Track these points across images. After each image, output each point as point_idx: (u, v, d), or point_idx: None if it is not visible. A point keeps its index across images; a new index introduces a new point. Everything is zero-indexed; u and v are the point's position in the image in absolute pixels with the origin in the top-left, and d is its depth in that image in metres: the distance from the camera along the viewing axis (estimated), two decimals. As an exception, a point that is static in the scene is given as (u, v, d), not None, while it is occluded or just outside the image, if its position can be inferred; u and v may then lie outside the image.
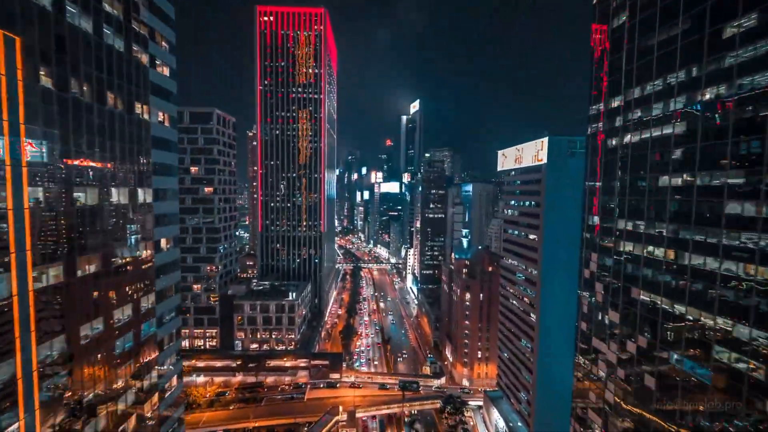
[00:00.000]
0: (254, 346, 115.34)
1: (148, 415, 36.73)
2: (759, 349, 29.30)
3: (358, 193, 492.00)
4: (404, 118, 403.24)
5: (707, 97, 34.46)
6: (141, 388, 35.80)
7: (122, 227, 33.48)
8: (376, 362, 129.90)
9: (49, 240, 26.57)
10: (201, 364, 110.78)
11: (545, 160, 68.18)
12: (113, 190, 32.04)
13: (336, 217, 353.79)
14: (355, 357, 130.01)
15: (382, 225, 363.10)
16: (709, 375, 33.49)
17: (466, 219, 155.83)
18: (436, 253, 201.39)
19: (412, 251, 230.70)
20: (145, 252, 36.65)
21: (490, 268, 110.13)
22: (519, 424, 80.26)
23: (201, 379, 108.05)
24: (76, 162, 27.98)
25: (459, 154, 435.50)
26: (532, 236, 75.53)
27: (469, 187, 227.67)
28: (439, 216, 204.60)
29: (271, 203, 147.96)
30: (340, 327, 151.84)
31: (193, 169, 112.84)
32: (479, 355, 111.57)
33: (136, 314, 35.27)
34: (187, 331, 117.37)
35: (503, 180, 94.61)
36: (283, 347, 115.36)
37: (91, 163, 29.69)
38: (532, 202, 75.20)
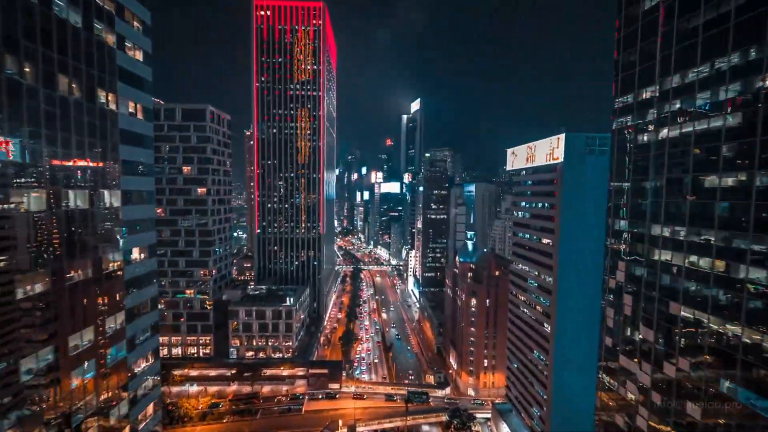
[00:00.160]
0: (250, 353, 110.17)
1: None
2: None
3: (358, 194, 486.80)
4: (405, 117, 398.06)
5: (772, 82, 29.29)
6: (106, 427, 30.62)
7: (79, 237, 28.32)
8: (378, 370, 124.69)
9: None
10: (194, 373, 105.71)
11: (562, 159, 63.03)
12: (68, 192, 26.89)
13: (336, 217, 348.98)
14: (356, 364, 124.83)
15: (382, 226, 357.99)
16: (775, 411, 28.37)
17: (471, 220, 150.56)
18: (438, 255, 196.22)
19: (413, 253, 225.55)
20: (111, 264, 31.48)
21: (497, 272, 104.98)
22: (530, 440, 75.27)
23: (194, 388, 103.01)
24: (11, 158, 22.84)
25: (459, 154, 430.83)
26: (545, 240, 70.35)
27: (472, 187, 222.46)
28: (441, 217, 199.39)
29: (268, 204, 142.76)
30: (339, 332, 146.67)
31: (186, 169, 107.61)
32: (485, 364, 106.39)
33: (100, 338, 30.10)
34: (179, 338, 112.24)
35: (514, 180, 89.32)
36: (280, 355, 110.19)
37: (36, 160, 24.52)
38: (546, 204, 69.99)
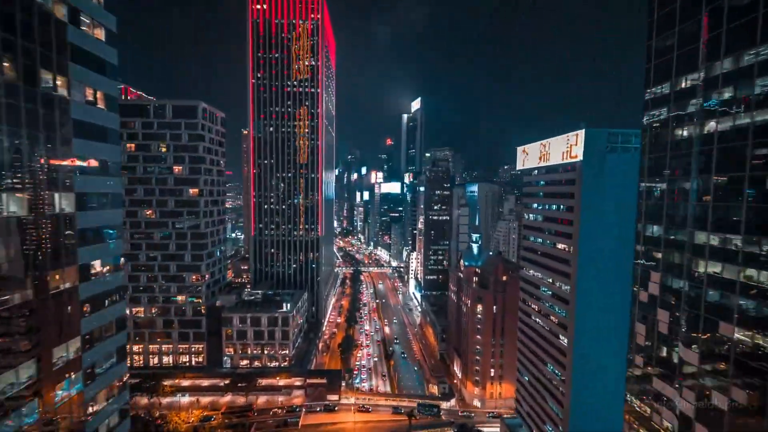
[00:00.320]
0: (244, 362, 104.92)
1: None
2: None
3: (358, 194, 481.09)
4: (405, 116, 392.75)
5: None
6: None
7: (16, 251, 23.06)
8: (379, 379, 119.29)
9: None
10: (186, 383, 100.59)
11: (581, 157, 57.78)
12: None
13: (335, 218, 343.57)
14: (356, 372, 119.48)
15: (382, 226, 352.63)
16: None
17: (476, 222, 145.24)
18: (440, 257, 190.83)
19: (414, 255, 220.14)
20: (61, 282, 26.24)
21: (504, 277, 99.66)
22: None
23: (186, 399, 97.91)
24: None
25: (460, 154, 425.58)
26: (561, 245, 65.02)
27: (474, 188, 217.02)
28: (444, 218, 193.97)
29: (264, 205, 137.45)
30: (339, 338, 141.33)
31: (177, 169, 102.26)
32: (492, 373, 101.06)
33: (44, 373, 24.83)
34: (170, 346, 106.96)
35: (525, 180, 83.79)
36: (276, 364, 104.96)
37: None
38: (562, 206, 64.65)
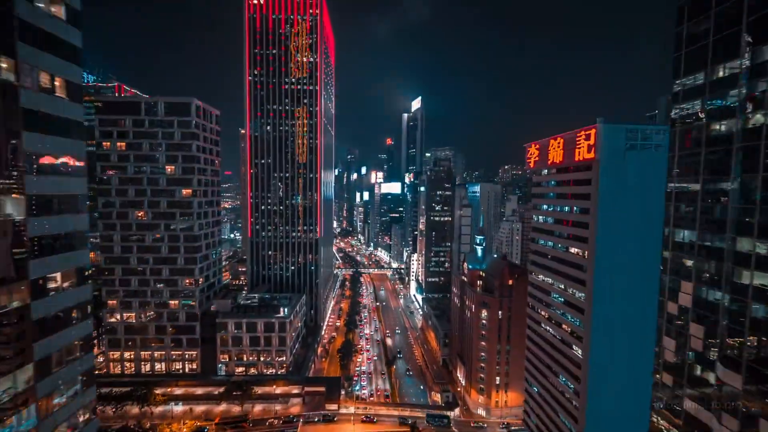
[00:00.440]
0: (240, 370, 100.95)
1: None
2: None
3: (358, 194, 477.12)
4: (405, 116, 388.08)
5: None
6: None
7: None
8: (379, 385, 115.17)
9: None
10: (179, 391, 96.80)
11: (597, 155, 53.81)
12: None
13: (335, 218, 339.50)
14: (355, 378, 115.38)
15: (382, 227, 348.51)
16: None
17: (480, 224, 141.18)
18: (442, 259, 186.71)
19: (415, 256, 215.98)
20: (8, 301, 22.29)
21: (510, 282, 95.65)
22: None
23: (179, 408, 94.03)
24: None
25: (461, 153, 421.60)
26: (575, 250, 61.03)
27: (477, 188, 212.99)
28: (445, 219, 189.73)
29: (262, 206, 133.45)
30: (338, 342, 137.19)
31: (169, 168, 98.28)
32: (498, 381, 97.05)
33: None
34: (163, 353, 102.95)
35: (534, 180, 79.71)
36: (273, 371, 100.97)
37: None
38: (576, 208, 60.64)
